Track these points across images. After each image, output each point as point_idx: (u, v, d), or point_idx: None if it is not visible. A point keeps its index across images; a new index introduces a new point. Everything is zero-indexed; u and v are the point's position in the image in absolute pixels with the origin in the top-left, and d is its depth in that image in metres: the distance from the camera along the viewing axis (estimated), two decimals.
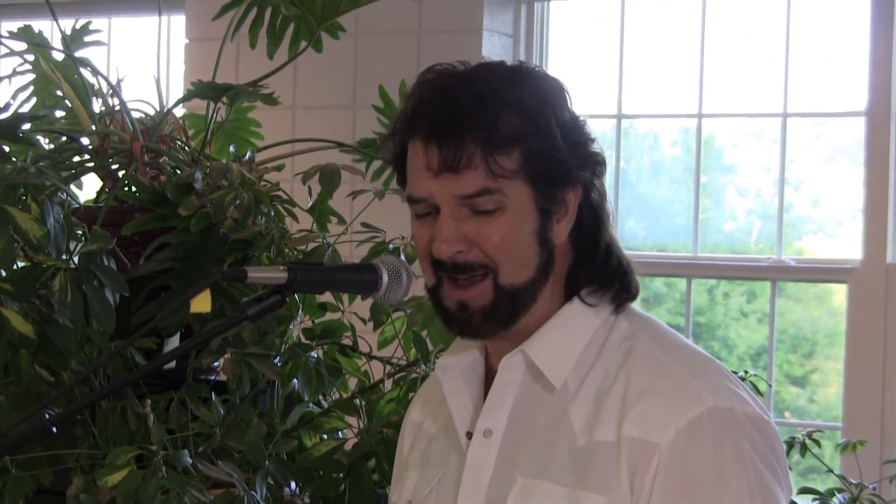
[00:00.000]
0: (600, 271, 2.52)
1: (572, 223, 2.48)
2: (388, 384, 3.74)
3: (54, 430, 2.37)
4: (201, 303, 2.45)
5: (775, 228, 6.08)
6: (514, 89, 2.44)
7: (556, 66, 6.40)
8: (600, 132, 6.23)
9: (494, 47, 6.27)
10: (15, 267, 3.43)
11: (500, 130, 2.39)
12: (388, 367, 3.80)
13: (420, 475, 2.69)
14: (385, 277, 2.56)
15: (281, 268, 2.48)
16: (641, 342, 2.48)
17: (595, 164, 2.50)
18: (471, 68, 2.47)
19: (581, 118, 2.52)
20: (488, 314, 2.44)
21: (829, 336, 6.22)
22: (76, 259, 3.39)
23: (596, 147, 2.51)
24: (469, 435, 2.56)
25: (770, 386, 5.71)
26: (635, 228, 6.51)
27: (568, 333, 2.50)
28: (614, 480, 2.36)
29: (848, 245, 5.84)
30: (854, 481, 3.72)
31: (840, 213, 5.98)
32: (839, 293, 6.12)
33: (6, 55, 4.08)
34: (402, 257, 3.62)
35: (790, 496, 2.47)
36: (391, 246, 3.70)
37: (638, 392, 2.39)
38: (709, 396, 2.37)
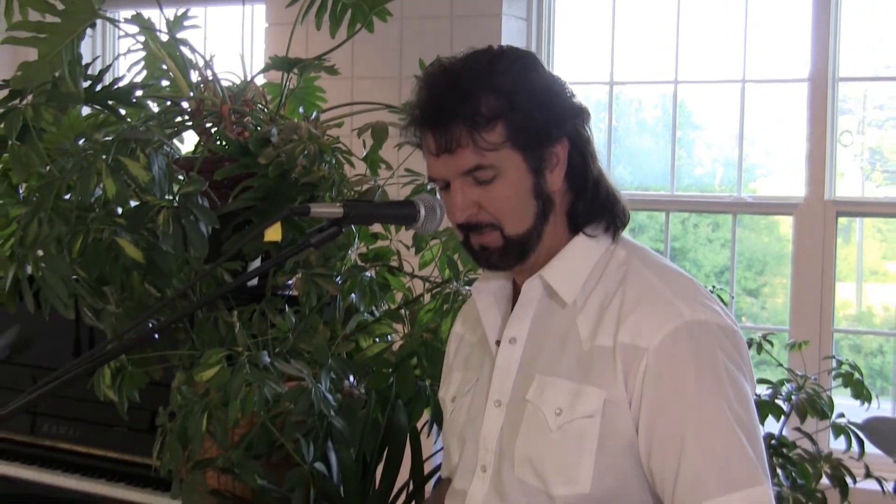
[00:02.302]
0: (593, 203, 2.54)
1: (565, 169, 2.50)
2: (427, 298, 3.72)
3: (156, 336, 2.35)
4: (274, 233, 2.50)
5: (735, 173, 6.04)
6: (491, 73, 2.47)
7: (561, 43, 6.39)
8: (595, 97, 6.28)
9: (511, 29, 6.27)
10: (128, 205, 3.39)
11: (480, 112, 2.43)
12: (427, 284, 3.78)
13: (462, 376, 2.74)
14: (422, 211, 2.63)
15: (338, 204, 2.53)
16: (634, 266, 2.51)
17: (575, 114, 2.51)
18: (456, 60, 2.52)
19: (558, 78, 2.54)
20: (503, 254, 2.52)
21: (776, 258, 6.24)
22: (177, 199, 3.37)
23: (574, 99, 2.52)
24: (498, 343, 2.59)
25: (732, 297, 5.77)
26: (624, 173, 6.51)
27: (576, 261, 2.53)
28: (611, 378, 2.39)
29: (793, 185, 5.80)
30: (799, 373, 3.68)
31: (787, 160, 5.94)
32: (785, 224, 6.14)
33: (123, 37, 4.05)
34: (438, 196, 3.60)
35: (754, 388, 2.48)
36: (429, 187, 3.66)
37: (630, 306, 2.42)
38: (687, 311, 2.40)
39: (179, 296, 3.41)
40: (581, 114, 2.53)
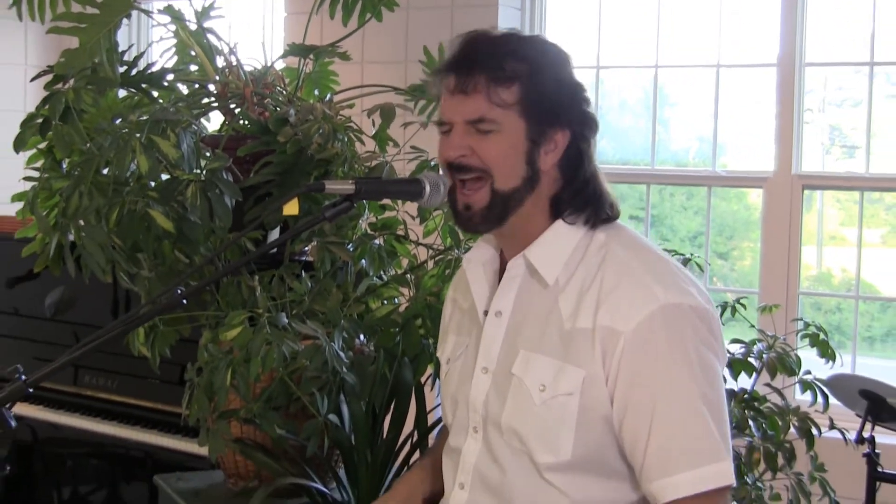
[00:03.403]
0: (578, 196, 2.49)
1: (559, 157, 2.46)
2: (431, 264, 3.69)
3: (185, 301, 2.34)
4: (291, 207, 2.48)
5: (709, 148, 6.02)
6: (524, 45, 2.47)
7: (552, 31, 6.38)
8: (583, 79, 6.16)
9: (507, 17, 6.25)
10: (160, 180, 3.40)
11: (504, 69, 2.40)
12: (430, 251, 3.73)
13: (456, 340, 2.72)
14: (427, 188, 2.57)
15: (350, 182, 2.49)
16: (613, 249, 2.46)
17: (587, 122, 2.49)
18: (496, 31, 2.50)
19: (582, 86, 2.52)
20: (485, 214, 2.46)
21: (744, 224, 6.28)
22: (204, 174, 3.37)
23: (589, 109, 2.50)
24: (486, 313, 2.56)
25: (708, 264, 5.75)
26: (607, 148, 6.51)
27: (558, 243, 2.48)
28: (590, 358, 2.36)
29: (763, 160, 5.79)
30: (770, 334, 3.67)
31: (758, 138, 5.92)
32: (752, 194, 6.20)
33: (155, 26, 4.03)
34: (441, 172, 3.59)
35: (724, 363, 2.46)
36: (432, 163, 3.65)
37: (609, 290, 2.38)
38: (662, 294, 2.35)
39: (207, 262, 3.40)
40: (590, 122, 2.50)
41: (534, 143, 2.43)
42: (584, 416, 2.37)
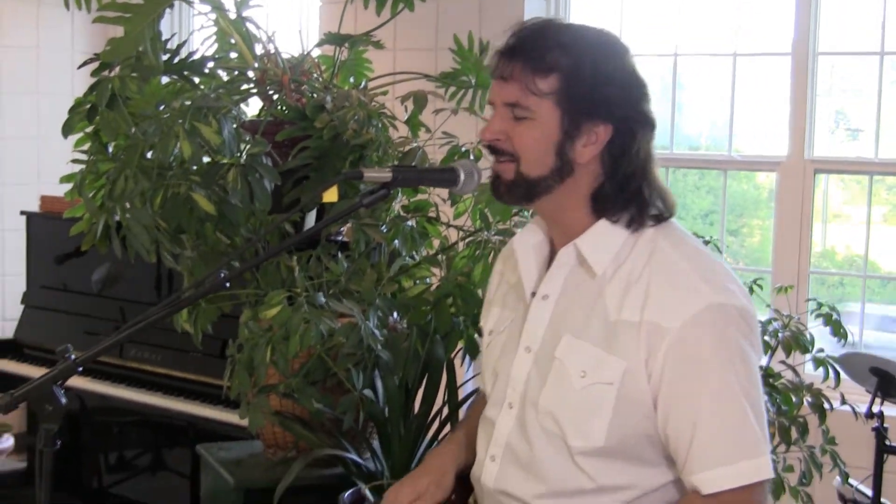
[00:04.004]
0: (618, 193, 2.41)
1: (599, 150, 2.38)
2: (461, 246, 3.65)
3: (227, 284, 2.31)
4: (331, 194, 2.43)
5: (720, 132, 5.97)
6: (574, 37, 2.39)
7: (575, 19, 6.29)
8: None
9: (532, 4, 6.17)
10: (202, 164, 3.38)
11: (543, 60, 2.34)
12: (461, 233, 3.70)
13: (500, 313, 2.66)
14: (462, 176, 2.54)
15: (387, 170, 2.45)
16: (661, 246, 2.39)
17: (637, 117, 2.40)
18: (552, 20, 2.45)
19: (642, 82, 2.43)
20: (510, 188, 2.43)
21: (753, 202, 6.23)
22: (244, 158, 3.34)
23: (646, 107, 2.42)
24: (533, 294, 2.51)
25: (724, 245, 5.71)
26: None
27: (608, 236, 2.41)
28: (634, 351, 2.31)
29: (777, 145, 5.74)
30: (785, 313, 3.62)
31: (772, 123, 5.86)
32: (761, 175, 6.13)
33: (196, 15, 3.99)
34: (472, 157, 3.57)
35: (761, 359, 2.43)
36: (463, 148, 3.61)
37: (657, 286, 2.33)
38: (709, 293, 2.31)
39: (249, 245, 3.37)
40: (641, 118, 2.40)
41: (567, 135, 2.35)
42: (620, 406, 2.32)
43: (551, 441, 2.40)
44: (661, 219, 2.43)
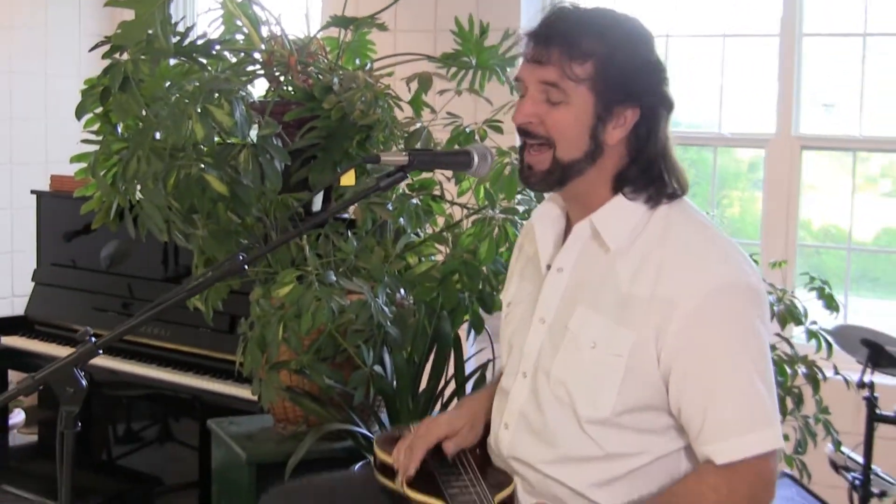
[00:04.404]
0: (643, 174, 2.42)
1: (626, 133, 2.38)
2: (467, 224, 3.59)
3: (245, 268, 2.25)
4: (348, 178, 2.44)
5: (717, 111, 5.92)
6: (606, 24, 2.39)
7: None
8: None
9: None
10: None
11: (580, 47, 2.33)
12: (465, 210, 3.65)
13: (518, 285, 2.66)
14: (476, 159, 2.51)
15: (404, 153, 2.42)
16: (675, 223, 2.41)
17: (661, 100, 2.41)
18: (588, 7, 2.43)
19: (662, 66, 2.43)
20: (544, 177, 2.41)
21: (732, 175, 6.21)
22: (255, 139, 3.29)
23: (667, 89, 2.42)
24: (548, 267, 2.51)
25: (714, 216, 5.68)
26: None
27: (622, 211, 2.41)
28: (643, 324, 2.31)
29: (766, 123, 5.70)
30: (779, 287, 3.59)
31: (760, 102, 5.82)
32: (743, 150, 6.10)
33: None
34: (476, 138, 3.52)
35: (771, 334, 2.42)
36: (467, 129, 3.56)
37: (670, 262, 2.33)
38: (722, 271, 2.33)
39: (284, 231, 3.34)
40: (664, 100, 2.41)
41: (600, 119, 2.36)
42: (628, 377, 2.33)
43: (562, 409, 2.41)
44: (674, 196, 2.44)
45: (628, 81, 2.35)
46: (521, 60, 2.46)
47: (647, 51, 2.41)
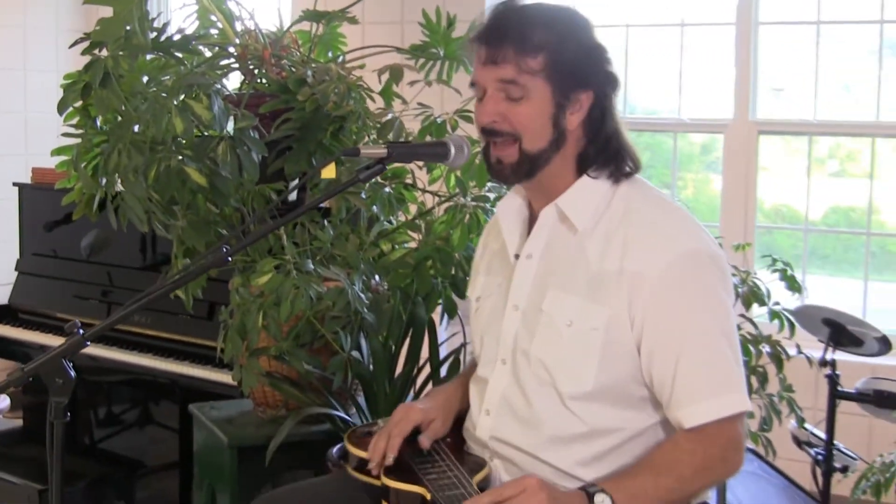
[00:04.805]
0: (602, 153, 2.46)
1: (584, 116, 2.42)
2: (439, 211, 3.58)
3: (229, 259, 2.23)
4: (329, 171, 2.43)
5: (676, 97, 5.95)
6: (551, 15, 2.41)
7: None
8: None
9: None
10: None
11: (531, 40, 2.35)
12: (437, 198, 3.64)
13: (486, 280, 2.66)
14: (452, 150, 2.51)
15: (383, 146, 2.42)
16: (635, 200, 2.45)
17: (609, 81, 2.44)
18: (526, 2, 2.44)
19: (604, 46, 2.46)
20: (515, 168, 2.42)
21: (686, 157, 6.22)
22: (232, 131, 3.26)
23: (611, 68, 2.45)
24: (517, 257, 2.52)
25: (677, 199, 5.67)
26: None
27: (586, 193, 2.45)
28: (616, 298, 2.34)
29: (723, 109, 5.73)
30: (743, 269, 3.59)
31: (718, 88, 5.83)
32: (697, 135, 6.15)
33: None
34: (448, 128, 3.50)
35: (734, 302, 2.46)
36: (438, 119, 3.54)
37: (634, 237, 2.36)
38: (684, 241, 2.37)
39: (262, 223, 3.28)
40: (612, 80, 2.45)
41: (559, 107, 2.40)
42: (606, 350, 2.35)
43: (544, 389, 2.42)
44: (631, 174, 2.49)
45: (580, 67, 2.39)
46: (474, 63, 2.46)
47: (590, 35, 2.45)
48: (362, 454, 2.57)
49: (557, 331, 2.39)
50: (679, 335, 2.32)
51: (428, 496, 2.36)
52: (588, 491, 2.27)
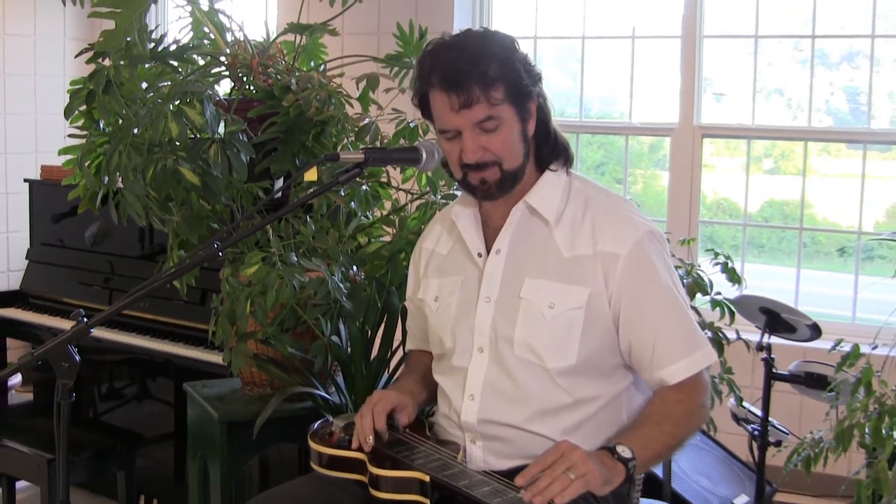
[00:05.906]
0: (553, 147, 2.55)
1: (535, 121, 2.48)
2: (412, 207, 3.59)
3: (221, 254, 2.23)
4: (311, 174, 2.49)
5: (627, 104, 5.94)
6: (489, 47, 2.43)
7: (498, 8, 6.21)
8: (524, 48, 6.05)
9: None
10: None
11: (489, 75, 2.39)
12: (409, 196, 3.63)
13: (440, 281, 2.67)
14: (424, 155, 2.56)
15: (360, 151, 2.45)
16: (591, 193, 2.56)
17: (539, 79, 2.50)
18: (458, 38, 2.45)
19: (526, 54, 2.50)
20: (499, 185, 2.48)
21: (637, 155, 6.25)
22: (223, 134, 3.27)
23: (536, 68, 2.51)
24: (480, 255, 2.56)
25: (629, 197, 5.67)
26: None
27: (550, 187, 2.53)
28: (593, 278, 2.42)
29: (670, 114, 5.74)
30: (688, 262, 3.60)
31: (664, 95, 5.84)
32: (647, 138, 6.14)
33: (175, 7, 3.86)
34: (420, 132, 3.50)
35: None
36: (411, 124, 3.53)
37: (601, 224, 2.47)
38: (641, 223, 2.49)
39: (248, 218, 3.26)
40: (539, 80, 2.51)
41: (523, 121, 2.46)
42: (588, 325, 2.43)
43: (530, 369, 2.46)
44: (569, 165, 2.59)
45: (525, 81, 2.43)
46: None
47: (518, 48, 2.48)
48: (334, 451, 2.52)
49: (540, 314, 2.44)
50: (653, 305, 2.44)
51: (427, 478, 2.29)
52: (607, 446, 2.32)
